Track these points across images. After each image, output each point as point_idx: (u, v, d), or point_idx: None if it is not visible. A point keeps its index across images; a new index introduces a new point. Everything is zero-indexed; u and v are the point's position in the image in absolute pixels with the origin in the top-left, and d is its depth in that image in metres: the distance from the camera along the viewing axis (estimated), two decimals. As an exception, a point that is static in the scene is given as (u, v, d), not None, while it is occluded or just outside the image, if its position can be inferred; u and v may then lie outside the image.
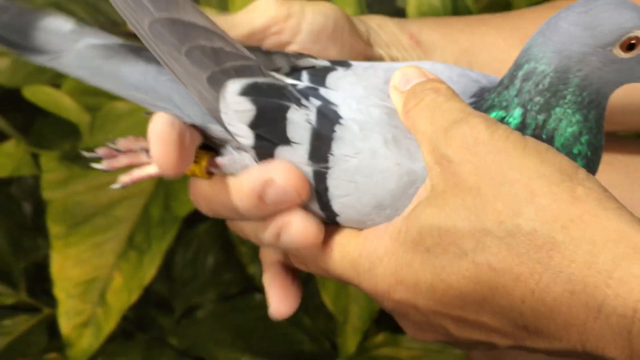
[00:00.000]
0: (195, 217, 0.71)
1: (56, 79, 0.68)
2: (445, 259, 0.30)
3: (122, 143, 0.36)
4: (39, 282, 0.73)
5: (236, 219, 0.36)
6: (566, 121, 0.32)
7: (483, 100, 0.34)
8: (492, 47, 0.48)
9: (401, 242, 0.31)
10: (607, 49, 0.31)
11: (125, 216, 0.72)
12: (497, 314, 0.30)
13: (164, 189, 0.71)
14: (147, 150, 0.35)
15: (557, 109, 0.32)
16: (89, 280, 0.72)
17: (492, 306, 0.29)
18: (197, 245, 0.73)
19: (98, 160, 0.36)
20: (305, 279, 0.74)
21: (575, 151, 0.32)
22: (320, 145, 0.32)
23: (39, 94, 0.68)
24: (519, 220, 0.29)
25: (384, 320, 0.74)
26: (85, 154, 0.37)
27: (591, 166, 0.33)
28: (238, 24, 0.37)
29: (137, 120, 0.69)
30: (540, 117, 0.32)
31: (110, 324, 0.72)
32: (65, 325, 0.72)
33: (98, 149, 0.36)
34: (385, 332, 0.74)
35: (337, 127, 0.32)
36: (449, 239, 0.30)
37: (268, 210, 0.34)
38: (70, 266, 0.71)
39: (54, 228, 0.71)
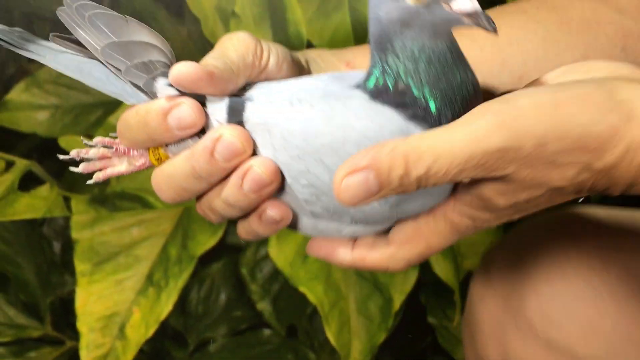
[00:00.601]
0: (210, 257, 0.75)
1: (89, 130, 0.72)
2: None
3: (96, 140, 0.42)
4: (64, 316, 0.76)
5: (197, 188, 0.40)
6: (401, 64, 0.38)
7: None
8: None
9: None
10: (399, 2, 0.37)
11: (145, 255, 0.75)
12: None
13: (182, 230, 0.75)
14: (116, 149, 0.42)
15: (389, 57, 0.38)
16: (110, 315, 0.76)
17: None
18: (210, 283, 0.76)
19: (75, 164, 0.41)
20: (309, 315, 0.78)
21: (415, 78, 0.38)
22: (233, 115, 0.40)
23: (72, 143, 0.72)
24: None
25: (384, 354, 0.78)
26: (61, 157, 0.42)
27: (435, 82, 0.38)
28: (215, 57, 0.41)
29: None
30: (387, 66, 0.39)
31: (128, 357, 0.76)
32: (86, 357, 0.75)
33: (72, 151, 0.42)
34: (383, 366, 0.77)
35: (247, 104, 0.40)
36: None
37: (222, 167, 0.39)
38: (93, 302, 0.75)
39: (80, 266, 0.75)
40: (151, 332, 0.76)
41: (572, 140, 0.35)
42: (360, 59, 0.49)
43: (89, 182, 0.42)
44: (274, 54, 0.43)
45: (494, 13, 0.50)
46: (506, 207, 0.38)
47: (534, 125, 0.35)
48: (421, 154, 0.35)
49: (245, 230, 0.41)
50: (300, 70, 0.45)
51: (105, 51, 0.39)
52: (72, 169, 0.42)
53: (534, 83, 0.39)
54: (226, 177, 0.39)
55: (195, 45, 0.70)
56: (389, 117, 0.38)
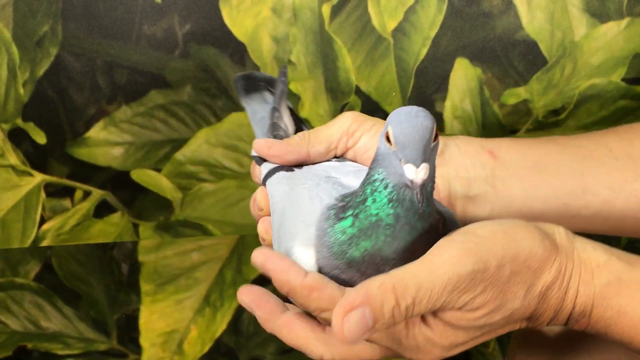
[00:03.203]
0: (263, 279, 0.77)
1: (158, 164, 0.75)
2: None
3: None
4: (128, 332, 0.79)
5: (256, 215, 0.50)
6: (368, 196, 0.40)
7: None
8: (558, 161, 0.52)
9: None
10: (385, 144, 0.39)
11: (203, 277, 0.78)
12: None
13: (237, 255, 0.78)
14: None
15: (367, 186, 0.40)
16: (170, 331, 0.79)
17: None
18: (261, 305, 0.80)
19: None
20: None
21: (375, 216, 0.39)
22: None
23: (143, 176, 0.74)
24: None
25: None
26: None
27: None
28: (320, 137, 0.48)
29: (219, 198, 0.76)
30: (363, 188, 0.41)
31: (185, 371, 0.78)
32: (147, 370, 0.78)
33: None
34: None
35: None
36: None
37: (256, 213, 0.49)
38: (155, 319, 0.78)
39: (145, 286, 0.78)
40: (206, 348, 0.79)
41: (522, 260, 0.39)
42: (505, 149, 0.52)
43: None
44: (367, 136, 0.48)
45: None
46: (471, 328, 0.40)
47: (494, 249, 0.39)
48: (406, 283, 0.37)
49: None
50: None
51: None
52: None
53: (465, 229, 0.42)
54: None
55: (254, 90, 0.75)
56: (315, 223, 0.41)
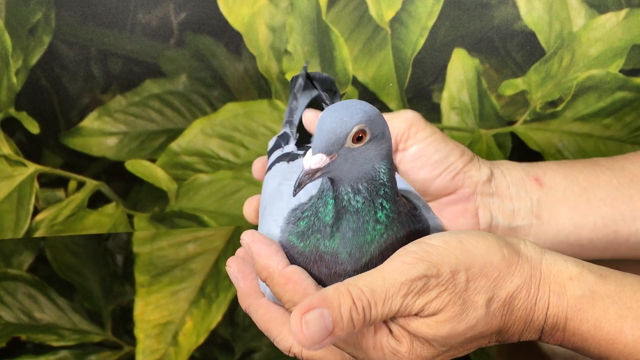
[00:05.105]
0: None
1: (153, 155, 0.74)
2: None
3: None
4: (123, 323, 0.79)
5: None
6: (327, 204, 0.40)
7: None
8: (607, 185, 0.52)
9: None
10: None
11: (199, 269, 0.78)
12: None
13: (233, 247, 0.77)
14: None
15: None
16: (165, 323, 0.79)
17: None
18: (257, 297, 0.81)
19: None
20: None
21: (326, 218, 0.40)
22: None
23: (137, 166, 0.74)
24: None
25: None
26: None
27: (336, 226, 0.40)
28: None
29: (215, 189, 0.75)
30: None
31: (180, 362, 0.78)
32: (142, 362, 0.78)
33: None
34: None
35: None
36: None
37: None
38: (150, 310, 0.78)
39: (140, 277, 0.77)
40: (202, 340, 0.79)
41: (477, 268, 0.39)
42: (550, 174, 0.51)
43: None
44: (418, 146, 0.48)
45: None
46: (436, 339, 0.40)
47: (446, 257, 0.39)
48: (360, 287, 0.38)
49: None
50: (465, 176, 0.49)
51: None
52: None
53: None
54: None
55: (251, 80, 0.73)
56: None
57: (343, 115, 0.38)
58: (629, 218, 0.51)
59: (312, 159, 0.38)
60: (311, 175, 0.38)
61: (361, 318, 0.38)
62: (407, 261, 0.39)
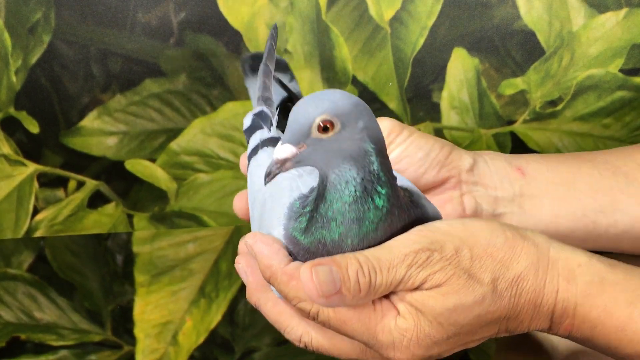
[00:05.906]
0: None
1: (152, 154, 0.74)
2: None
3: None
4: (123, 323, 0.79)
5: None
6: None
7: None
8: (588, 177, 0.52)
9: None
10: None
11: (198, 269, 0.78)
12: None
13: (233, 247, 0.78)
14: None
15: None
16: (165, 323, 0.79)
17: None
18: (257, 296, 0.81)
19: None
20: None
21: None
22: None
23: (137, 166, 0.74)
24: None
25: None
26: None
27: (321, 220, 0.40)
28: None
29: (214, 189, 0.76)
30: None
31: (179, 362, 0.79)
32: (142, 361, 0.78)
33: None
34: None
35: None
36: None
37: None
38: (150, 310, 0.78)
39: (140, 277, 0.77)
40: (201, 339, 0.79)
41: (481, 248, 0.40)
42: (533, 165, 0.52)
43: None
44: (400, 148, 0.49)
45: None
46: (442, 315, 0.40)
47: (450, 236, 0.40)
48: (367, 256, 0.39)
49: None
50: (452, 168, 0.50)
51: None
52: None
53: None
54: None
55: (250, 79, 0.75)
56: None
57: (309, 106, 0.38)
58: (608, 210, 0.52)
59: (281, 149, 0.39)
60: (280, 165, 0.39)
61: (367, 281, 0.39)
62: (411, 237, 0.40)
